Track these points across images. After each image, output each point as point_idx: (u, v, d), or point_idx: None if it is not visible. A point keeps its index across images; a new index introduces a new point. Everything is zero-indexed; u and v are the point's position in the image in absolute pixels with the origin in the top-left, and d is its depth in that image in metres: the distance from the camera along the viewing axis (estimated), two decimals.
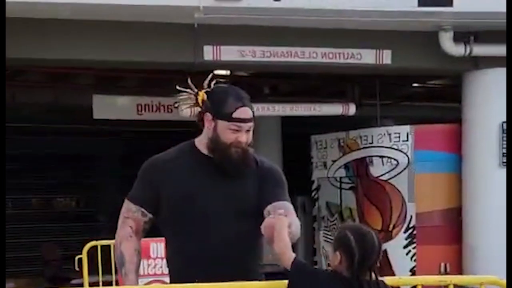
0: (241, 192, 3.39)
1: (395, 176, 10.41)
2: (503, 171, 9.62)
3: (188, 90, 3.51)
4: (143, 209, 3.43)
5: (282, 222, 2.92)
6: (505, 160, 9.66)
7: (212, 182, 3.37)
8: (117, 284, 6.93)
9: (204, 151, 3.42)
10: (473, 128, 9.95)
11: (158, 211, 3.43)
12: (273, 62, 9.06)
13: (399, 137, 10.44)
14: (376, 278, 2.88)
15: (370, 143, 10.71)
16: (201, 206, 3.33)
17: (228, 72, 10.39)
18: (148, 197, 3.43)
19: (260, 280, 3.26)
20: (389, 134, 10.51)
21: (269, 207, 3.29)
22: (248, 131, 3.38)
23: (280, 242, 2.87)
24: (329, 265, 11.17)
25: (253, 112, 3.41)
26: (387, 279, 3.06)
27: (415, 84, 12.53)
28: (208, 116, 3.38)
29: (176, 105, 3.68)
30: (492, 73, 9.70)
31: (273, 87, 11.38)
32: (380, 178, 10.51)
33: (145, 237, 3.56)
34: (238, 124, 3.32)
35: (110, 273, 7.13)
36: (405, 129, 10.47)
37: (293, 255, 2.87)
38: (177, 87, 3.55)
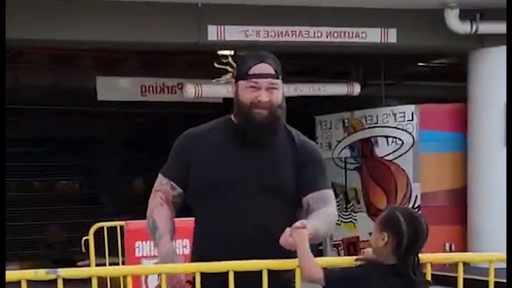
0: (274, 167, 3.14)
1: (400, 156, 10.38)
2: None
3: (227, 67, 3.38)
4: (172, 183, 3.23)
5: (301, 238, 2.79)
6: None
7: (242, 153, 3.13)
8: (123, 265, 6.89)
9: (236, 120, 3.21)
10: (479, 107, 9.91)
11: (187, 186, 3.21)
12: (277, 41, 8.99)
13: (404, 116, 10.39)
14: (418, 263, 2.83)
15: (375, 123, 10.66)
16: (227, 180, 3.10)
17: (232, 53, 10.31)
18: (178, 170, 3.23)
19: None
20: (394, 114, 10.46)
21: (309, 198, 3.12)
22: (270, 88, 3.09)
23: (304, 263, 2.81)
24: (347, 246, 11.19)
25: (276, 68, 3.11)
26: None
27: (420, 64, 12.43)
28: (232, 82, 3.22)
29: (215, 82, 3.49)
30: (497, 51, 9.64)
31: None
32: (385, 158, 10.48)
33: (176, 216, 3.41)
34: (255, 80, 3.07)
35: (117, 255, 7.10)
36: (410, 108, 10.41)
37: (320, 270, 2.81)
38: (216, 65, 3.42)
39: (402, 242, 2.76)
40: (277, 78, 3.12)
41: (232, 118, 3.21)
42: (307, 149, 3.23)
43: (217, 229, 3.08)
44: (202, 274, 2.91)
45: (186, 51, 9.98)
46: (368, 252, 3.01)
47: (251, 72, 3.09)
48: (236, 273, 2.90)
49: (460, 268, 3.15)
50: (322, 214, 3.09)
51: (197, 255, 3.18)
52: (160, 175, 3.30)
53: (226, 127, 3.21)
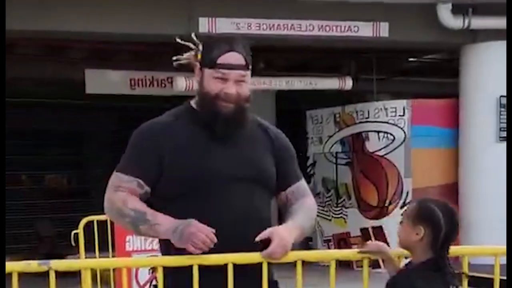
0: (254, 157, 2.98)
1: (391, 151, 10.33)
2: (501, 146, 9.55)
3: (189, 44, 3.04)
4: (140, 180, 2.88)
5: (286, 250, 2.79)
6: (502, 135, 9.59)
7: (217, 144, 2.92)
8: None
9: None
10: (470, 103, 9.88)
11: (157, 183, 2.89)
12: (269, 35, 8.92)
13: (395, 111, 10.34)
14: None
15: (366, 117, 10.61)
16: (209, 172, 2.87)
17: None
18: (147, 166, 2.88)
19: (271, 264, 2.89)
20: (386, 109, 10.41)
21: (288, 192, 3.04)
22: (238, 81, 2.89)
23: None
24: (338, 241, 11.10)
25: (247, 59, 2.92)
26: (395, 252, 2.95)
27: (411, 59, 12.38)
28: (196, 67, 2.96)
29: (175, 62, 3.10)
30: (490, 47, 9.62)
31: (268, 62, 11.22)
32: (376, 153, 10.43)
33: None
34: (223, 71, 2.85)
35: (107, 250, 7.01)
36: (401, 103, 10.36)
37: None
38: (177, 40, 3.10)
39: (440, 235, 2.70)
40: (247, 69, 2.94)
41: (193, 105, 3.00)
42: (282, 141, 3.11)
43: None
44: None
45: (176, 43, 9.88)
46: (371, 245, 2.94)
47: (219, 61, 2.87)
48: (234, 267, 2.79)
49: (465, 262, 3.09)
50: (304, 208, 3.02)
51: (178, 253, 2.83)
52: (118, 173, 2.93)
53: (191, 117, 2.97)
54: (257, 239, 2.79)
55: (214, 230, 2.73)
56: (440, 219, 2.69)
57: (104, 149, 15.53)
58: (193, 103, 3.01)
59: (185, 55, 3.06)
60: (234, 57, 2.88)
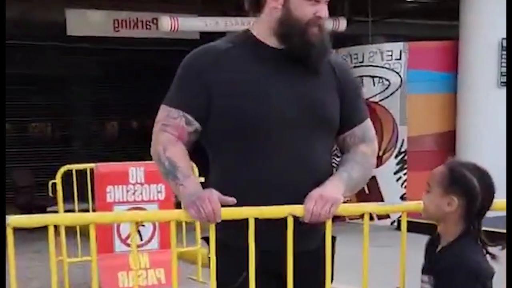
0: (321, 96, 2.56)
1: (386, 97, 9.88)
2: (502, 92, 9.14)
3: None
4: (188, 116, 2.51)
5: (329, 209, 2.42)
6: (504, 80, 9.16)
7: (284, 81, 2.49)
8: (94, 212, 6.43)
9: (269, 41, 2.54)
10: (470, 46, 9.40)
11: (207, 120, 2.52)
12: None
13: (391, 55, 9.86)
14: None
15: (360, 62, 10.12)
16: (268, 112, 2.46)
17: None
18: (195, 100, 2.50)
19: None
20: (381, 52, 9.92)
21: (348, 135, 2.65)
22: (327, 2, 2.52)
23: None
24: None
25: None
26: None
27: None
28: None
29: None
30: None
31: None
32: (371, 99, 9.95)
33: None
34: None
35: (87, 200, 6.63)
36: (398, 46, 9.87)
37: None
38: None
39: (475, 204, 2.30)
40: None
41: (257, 35, 2.56)
42: (347, 73, 2.68)
43: (262, 178, 2.46)
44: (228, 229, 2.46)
45: None
46: None
47: None
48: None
49: None
50: (357, 157, 2.63)
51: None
52: (165, 106, 2.57)
53: (252, 45, 2.54)
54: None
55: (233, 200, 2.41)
56: (475, 186, 2.30)
57: (88, 95, 15.05)
58: (256, 33, 2.57)
59: None
60: None
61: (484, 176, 2.34)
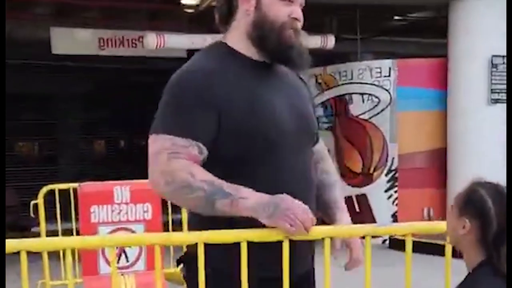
0: (307, 108, 2.50)
1: (376, 114, 9.78)
2: (492, 109, 9.08)
3: None
4: (200, 144, 2.27)
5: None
6: (494, 97, 9.09)
7: (278, 95, 2.38)
8: (77, 233, 6.29)
9: (250, 53, 2.41)
10: (460, 62, 9.34)
11: (213, 142, 2.31)
12: None
13: (380, 72, 9.79)
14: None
15: (349, 79, 10.04)
16: (276, 129, 2.34)
17: (197, 1, 9.62)
18: (202, 125, 2.26)
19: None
20: (370, 70, 9.85)
21: (315, 150, 2.61)
22: (301, 5, 2.44)
23: None
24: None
25: None
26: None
27: (397, 17, 11.81)
28: None
29: None
30: (482, 2, 9.07)
31: None
32: (360, 117, 9.88)
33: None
34: None
35: (70, 220, 6.48)
36: (387, 63, 9.81)
37: None
38: None
39: (491, 229, 2.09)
40: None
41: (231, 45, 2.43)
42: (308, 83, 2.65)
43: (271, 192, 2.22)
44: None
45: None
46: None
47: None
48: None
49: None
50: (337, 182, 2.61)
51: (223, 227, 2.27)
52: (168, 136, 2.26)
53: (234, 59, 2.39)
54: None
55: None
56: (489, 208, 2.10)
57: (75, 113, 14.93)
58: (230, 42, 2.43)
59: None
60: None
61: (502, 197, 2.13)
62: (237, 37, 2.42)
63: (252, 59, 2.41)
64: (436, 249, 4.87)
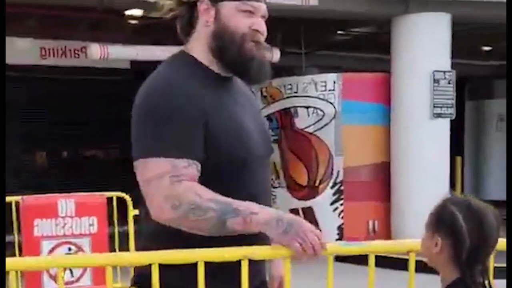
0: (265, 122, 2.53)
1: (321, 128, 9.81)
2: (434, 123, 9.23)
3: None
4: (197, 163, 2.20)
5: None
6: (436, 112, 9.24)
7: (245, 112, 2.37)
8: (19, 246, 6.10)
9: (209, 64, 2.35)
10: (403, 77, 9.47)
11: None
12: None
13: (325, 86, 9.83)
14: (488, 279, 2.09)
15: (294, 92, 10.06)
16: (251, 148, 2.33)
17: (141, 12, 9.52)
18: (197, 142, 2.20)
19: None
20: (315, 83, 9.89)
21: None
22: (264, 17, 2.37)
23: None
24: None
25: None
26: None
27: (340, 32, 11.91)
28: (203, 4, 2.33)
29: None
30: (423, 18, 9.23)
31: None
32: (306, 130, 9.90)
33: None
34: (252, 3, 2.32)
35: (12, 233, 6.28)
36: (331, 77, 9.86)
37: None
38: None
39: (463, 247, 2.02)
40: None
41: (197, 57, 2.36)
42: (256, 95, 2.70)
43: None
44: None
45: (90, 8, 9.11)
46: None
47: None
48: None
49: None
50: None
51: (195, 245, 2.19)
52: (165, 158, 2.16)
53: (201, 71, 2.33)
54: None
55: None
56: (461, 225, 2.03)
57: (16, 124, 14.56)
58: (196, 53, 2.36)
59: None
60: None
61: (474, 214, 2.05)
62: (198, 48, 2.37)
63: (214, 71, 2.37)
64: (398, 264, 4.81)
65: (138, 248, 2.46)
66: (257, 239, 2.21)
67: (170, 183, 2.15)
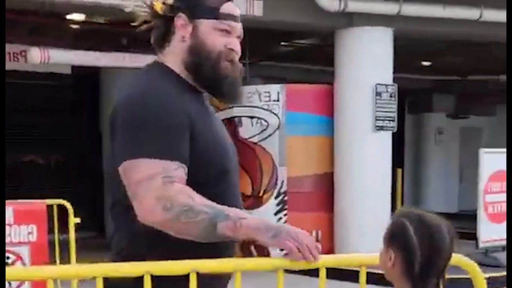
0: (229, 138, 2.55)
1: (265, 138, 9.80)
2: (377, 136, 9.32)
3: None
4: (184, 165, 2.20)
5: None
6: (378, 124, 9.33)
7: (217, 125, 2.43)
8: None
9: (188, 78, 2.38)
10: (346, 90, 9.54)
11: None
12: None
13: (269, 96, 9.83)
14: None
15: (239, 102, 10.01)
16: (227, 156, 2.40)
17: (83, 17, 9.36)
18: (185, 145, 2.22)
19: None
20: (259, 93, 9.87)
21: None
22: (239, 37, 2.41)
23: None
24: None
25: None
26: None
27: (283, 43, 11.96)
28: (180, 20, 2.34)
29: (127, 10, 2.37)
30: (366, 32, 9.34)
31: (133, 38, 10.39)
32: (250, 140, 9.87)
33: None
34: (229, 22, 2.34)
35: None
36: (275, 88, 9.88)
37: None
38: None
39: (414, 261, 1.98)
40: None
41: (172, 67, 2.37)
42: None
43: None
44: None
45: (32, 12, 8.92)
46: None
47: (223, 10, 2.35)
48: None
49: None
50: None
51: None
52: (156, 160, 2.15)
53: (177, 82, 2.34)
54: None
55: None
56: (411, 238, 1.99)
57: None
58: (171, 63, 2.38)
59: (141, 10, 2.37)
60: (236, 9, 2.40)
61: (426, 226, 2.01)
62: (172, 62, 2.38)
63: (190, 83, 2.39)
64: (350, 275, 4.74)
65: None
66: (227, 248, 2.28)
67: (163, 183, 2.13)
